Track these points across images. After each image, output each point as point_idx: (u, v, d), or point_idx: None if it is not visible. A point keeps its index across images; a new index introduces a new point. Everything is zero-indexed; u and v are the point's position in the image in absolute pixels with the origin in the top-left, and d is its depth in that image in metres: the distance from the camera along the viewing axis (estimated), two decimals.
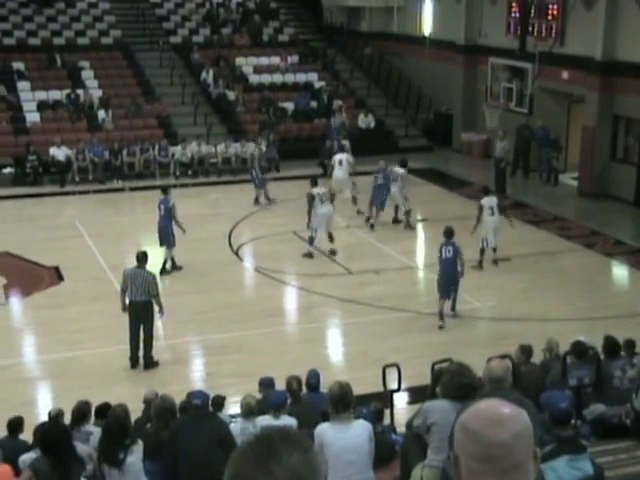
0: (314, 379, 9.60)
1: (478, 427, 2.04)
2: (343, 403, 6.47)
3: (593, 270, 17.36)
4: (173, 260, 16.66)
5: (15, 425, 8.50)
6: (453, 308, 14.69)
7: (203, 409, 7.78)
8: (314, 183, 17.75)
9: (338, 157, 20.72)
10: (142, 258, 12.82)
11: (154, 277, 12.66)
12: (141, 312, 12.54)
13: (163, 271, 16.18)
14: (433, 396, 7.09)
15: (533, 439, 2.07)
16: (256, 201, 21.53)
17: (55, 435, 6.71)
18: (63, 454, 6.51)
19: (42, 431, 6.88)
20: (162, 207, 16.49)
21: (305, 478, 1.84)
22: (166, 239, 16.41)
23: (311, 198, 17.30)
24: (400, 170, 19.40)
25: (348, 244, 18.58)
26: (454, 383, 5.69)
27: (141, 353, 12.67)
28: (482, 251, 16.87)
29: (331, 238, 17.44)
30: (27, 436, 8.28)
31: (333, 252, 17.52)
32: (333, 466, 6.45)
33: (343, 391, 6.52)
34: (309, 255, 17.36)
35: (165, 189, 16.97)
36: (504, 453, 2.02)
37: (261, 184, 21.63)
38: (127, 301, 12.58)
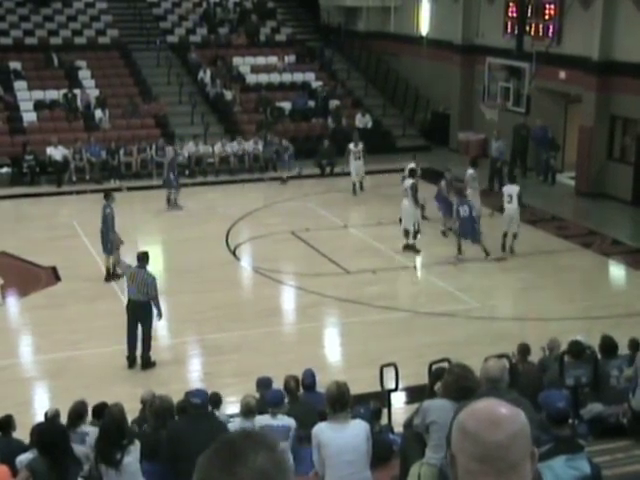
0: (309, 379, 9.61)
1: (476, 427, 2.04)
2: (340, 403, 6.47)
3: (590, 270, 17.38)
4: (109, 268, 16.14)
5: (5, 424, 8.50)
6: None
7: (202, 408, 7.78)
8: (410, 175, 18.31)
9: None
10: (143, 258, 12.75)
11: (154, 279, 12.61)
12: (139, 311, 12.51)
13: (114, 276, 15.97)
14: (431, 395, 7.09)
15: (530, 439, 2.08)
16: (168, 202, 21.25)
17: (52, 436, 6.70)
18: (60, 454, 6.50)
19: (39, 431, 6.87)
20: (101, 213, 16.15)
21: (273, 477, 1.84)
22: (104, 246, 16.01)
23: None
24: (470, 170, 19.22)
25: (345, 244, 18.60)
26: (459, 385, 5.69)
27: (139, 353, 12.66)
28: (504, 235, 17.54)
29: (406, 234, 17.81)
30: (24, 435, 8.26)
31: (409, 247, 17.83)
32: (331, 466, 6.46)
33: (340, 391, 6.52)
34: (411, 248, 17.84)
35: (107, 194, 16.55)
36: (501, 453, 2.02)
37: (172, 186, 21.37)
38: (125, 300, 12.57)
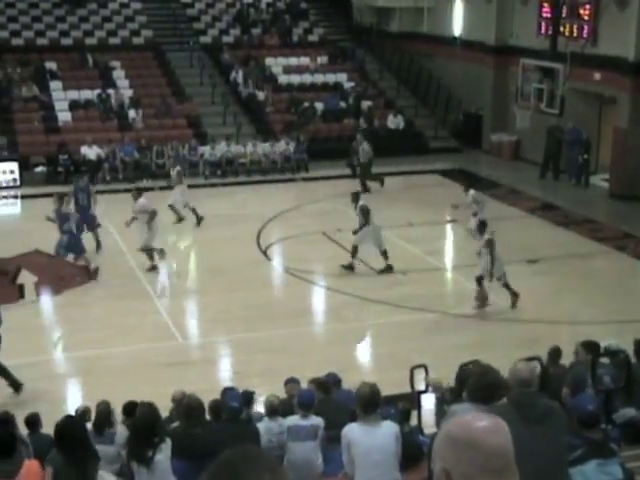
0: (334, 379, 9.64)
1: (476, 436, 2.05)
2: (372, 404, 6.47)
3: (624, 273, 17.18)
4: None
5: (32, 422, 8.61)
6: None
7: (240, 412, 7.82)
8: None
9: None
10: None
11: None
12: None
13: None
14: (457, 398, 7.03)
15: None
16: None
17: (68, 429, 6.74)
18: (76, 448, 6.53)
19: (56, 426, 6.94)
20: None
21: None
22: None
23: None
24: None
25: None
26: (480, 384, 5.63)
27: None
28: None
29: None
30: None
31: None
32: (360, 466, 6.45)
33: (372, 392, 6.52)
34: None
35: None
36: (502, 459, 2.06)
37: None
38: None
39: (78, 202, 17.80)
